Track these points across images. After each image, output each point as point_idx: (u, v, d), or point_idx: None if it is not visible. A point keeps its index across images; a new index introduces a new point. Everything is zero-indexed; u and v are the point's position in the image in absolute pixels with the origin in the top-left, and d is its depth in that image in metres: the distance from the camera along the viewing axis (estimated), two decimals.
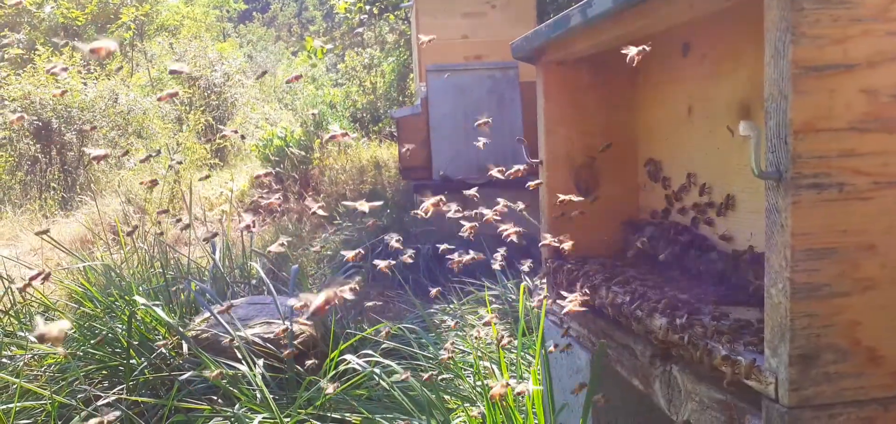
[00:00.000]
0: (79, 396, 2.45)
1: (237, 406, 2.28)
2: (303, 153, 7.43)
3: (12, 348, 2.82)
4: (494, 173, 1.64)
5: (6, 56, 12.29)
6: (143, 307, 2.76)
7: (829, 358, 0.93)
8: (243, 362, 2.39)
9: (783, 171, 0.91)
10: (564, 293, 1.69)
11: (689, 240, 1.59)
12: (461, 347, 2.62)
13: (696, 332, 1.16)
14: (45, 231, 2.79)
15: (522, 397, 2.06)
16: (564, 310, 1.32)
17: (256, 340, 2.58)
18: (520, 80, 4.93)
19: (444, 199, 1.54)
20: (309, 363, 2.36)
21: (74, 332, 2.85)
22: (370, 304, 2.84)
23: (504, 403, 1.93)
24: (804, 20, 0.87)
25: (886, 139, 0.92)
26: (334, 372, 2.41)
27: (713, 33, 1.46)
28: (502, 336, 1.80)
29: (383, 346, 2.60)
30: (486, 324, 1.79)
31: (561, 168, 1.80)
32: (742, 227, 1.44)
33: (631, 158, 1.84)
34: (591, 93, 1.79)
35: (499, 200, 1.67)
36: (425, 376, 1.80)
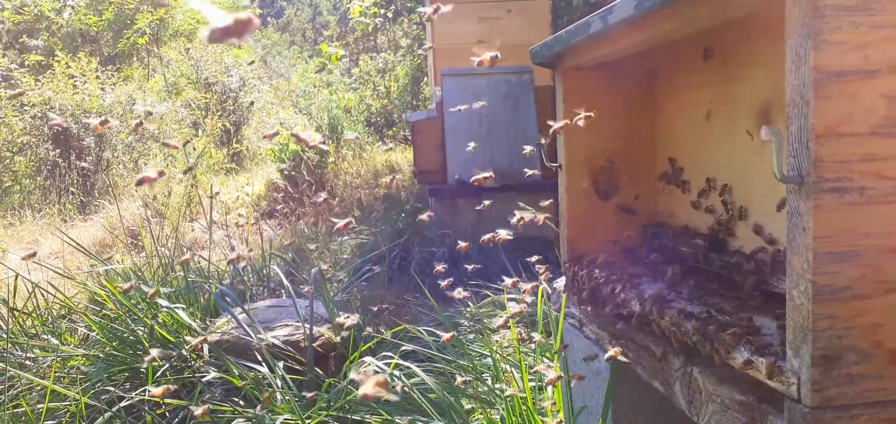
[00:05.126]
0: (102, 398, 2.50)
1: (259, 407, 2.31)
2: (318, 157, 7.48)
3: (35, 350, 2.87)
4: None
5: (26, 62, 12.45)
6: (164, 309, 2.80)
7: (851, 359, 0.95)
8: (264, 364, 2.42)
9: (805, 175, 0.93)
10: (584, 297, 1.71)
11: (708, 243, 1.60)
12: (480, 350, 2.64)
13: (717, 334, 1.17)
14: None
15: (541, 399, 2.08)
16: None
17: (278, 343, 2.61)
18: (534, 84, 4.95)
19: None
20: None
21: (97, 334, 2.90)
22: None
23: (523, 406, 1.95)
24: (825, 27, 0.89)
25: None
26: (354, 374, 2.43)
27: (733, 38, 1.48)
28: (521, 334, 1.82)
29: (402, 349, 2.63)
30: (506, 323, 1.81)
31: (580, 172, 1.82)
32: (762, 230, 1.45)
33: (650, 161, 1.86)
34: (610, 97, 1.81)
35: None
36: (457, 381, 1.82)
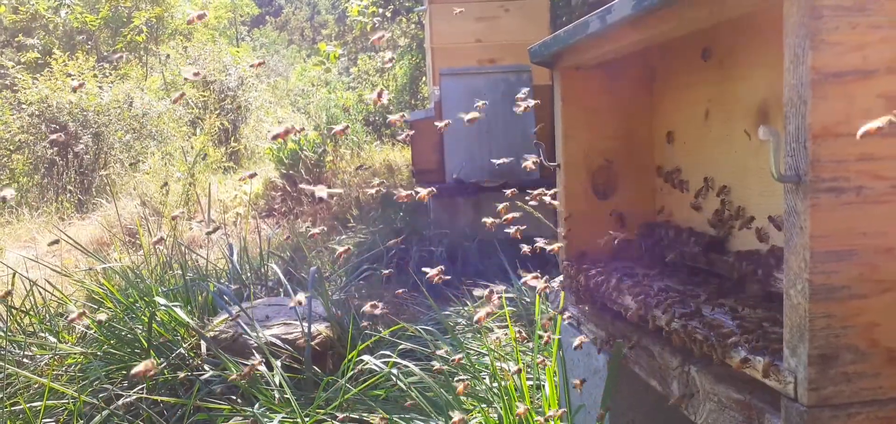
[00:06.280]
0: (100, 395, 2.50)
1: (256, 405, 2.32)
2: (316, 156, 7.47)
3: (33, 348, 2.87)
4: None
5: (22, 59, 12.44)
6: (163, 307, 2.80)
7: (847, 359, 0.95)
8: (263, 362, 2.42)
9: (802, 175, 0.93)
10: (581, 297, 1.71)
11: (705, 242, 1.60)
12: (477, 349, 2.64)
13: (715, 333, 1.17)
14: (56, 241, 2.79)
15: (538, 398, 2.09)
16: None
17: (275, 341, 2.61)
18: (533, 83, 4.95)
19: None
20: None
21: (94, 332, 2.89)
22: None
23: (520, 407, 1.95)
24: (823, 27, 0.89)
25: None
26: (352, 373, 2.44)
27: (731, 38, 1.48)
28: (521, 333, 1.82)
29: (400, 347, 2.63)
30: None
31: (578, 172, 1.83)
32: (760, 230, 1.46)
33: (648, 161, 1.86)
34: (609, 97, 1.81)
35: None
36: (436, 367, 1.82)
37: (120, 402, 2.42)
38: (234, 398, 2.43)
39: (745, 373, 1.09)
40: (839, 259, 0.94)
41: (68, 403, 2.43)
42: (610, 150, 1.84)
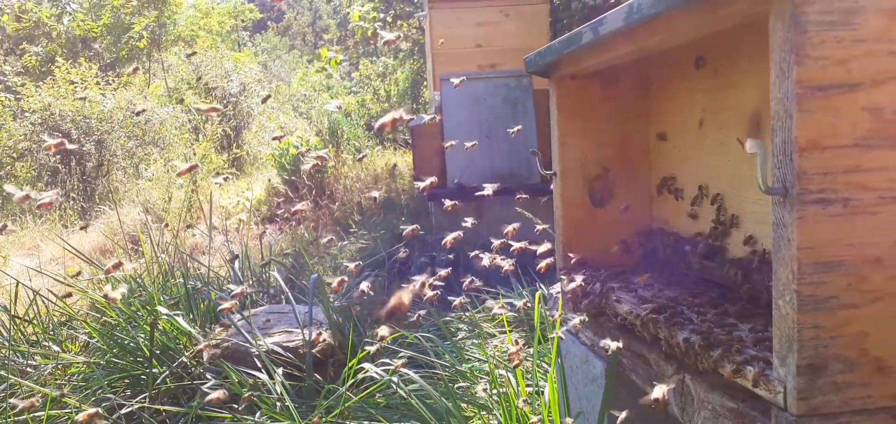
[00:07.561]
0: (103, 404, 2.51)
1: (258, 414, 2.33)
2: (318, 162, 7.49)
3: (36, 357, 2.88)
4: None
5: (25, 65, 12.49)
6: (165, 316, 2.81)
7: (836, 368, 0.96)
8: (263, 370, 2.43)
9: (789, 187, 0.94)
10: (580, 301, 1.72)
11: (701, 249, 1.61)
12: (477, 355, 2.65)
13: (707, 342, 1.18)
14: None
15: (538, 404, 2.10)
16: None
17: (276, 349, 2.62)
18: (533, 88, 4.97)
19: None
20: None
21: (97, 341, 2.91)
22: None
23: (520, 411, 1.96)
24: (808, 42, 0.90)
25: (891, 155, 0.95)
26: (353, 381, 2.45)
27: (724, 48, 1.49)
28: (518, 340, 1.83)
29: (400, 355, 2.64)
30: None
31: (575, 180, 1.84)
32: (752, 238, 1.46)
33: (643, 169, 1.87)
34: (604, 105, 1.83)
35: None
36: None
37: (123, 411, 2.43)
38: (235, 406, 2.44)
39: (738, 382, 1.10)
40: (827, 270, 0.95)
41: (71, 412, 2.45)
42: (606, 158, 1.85)
